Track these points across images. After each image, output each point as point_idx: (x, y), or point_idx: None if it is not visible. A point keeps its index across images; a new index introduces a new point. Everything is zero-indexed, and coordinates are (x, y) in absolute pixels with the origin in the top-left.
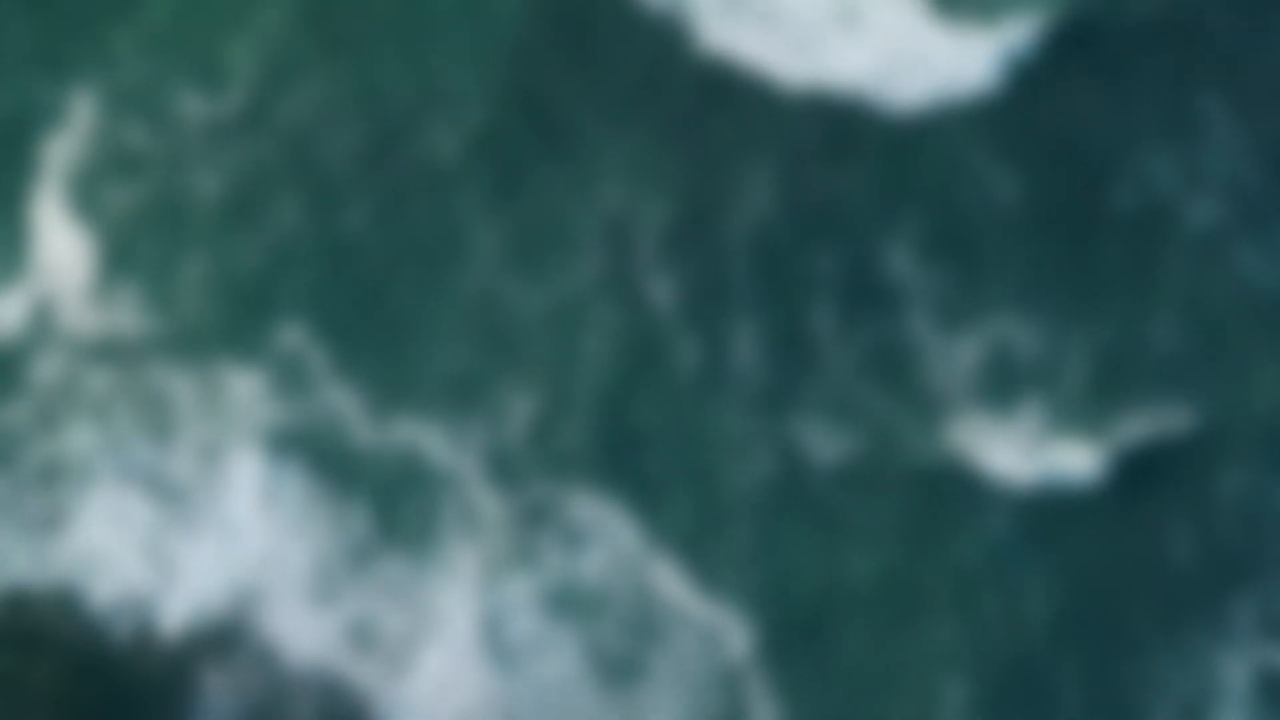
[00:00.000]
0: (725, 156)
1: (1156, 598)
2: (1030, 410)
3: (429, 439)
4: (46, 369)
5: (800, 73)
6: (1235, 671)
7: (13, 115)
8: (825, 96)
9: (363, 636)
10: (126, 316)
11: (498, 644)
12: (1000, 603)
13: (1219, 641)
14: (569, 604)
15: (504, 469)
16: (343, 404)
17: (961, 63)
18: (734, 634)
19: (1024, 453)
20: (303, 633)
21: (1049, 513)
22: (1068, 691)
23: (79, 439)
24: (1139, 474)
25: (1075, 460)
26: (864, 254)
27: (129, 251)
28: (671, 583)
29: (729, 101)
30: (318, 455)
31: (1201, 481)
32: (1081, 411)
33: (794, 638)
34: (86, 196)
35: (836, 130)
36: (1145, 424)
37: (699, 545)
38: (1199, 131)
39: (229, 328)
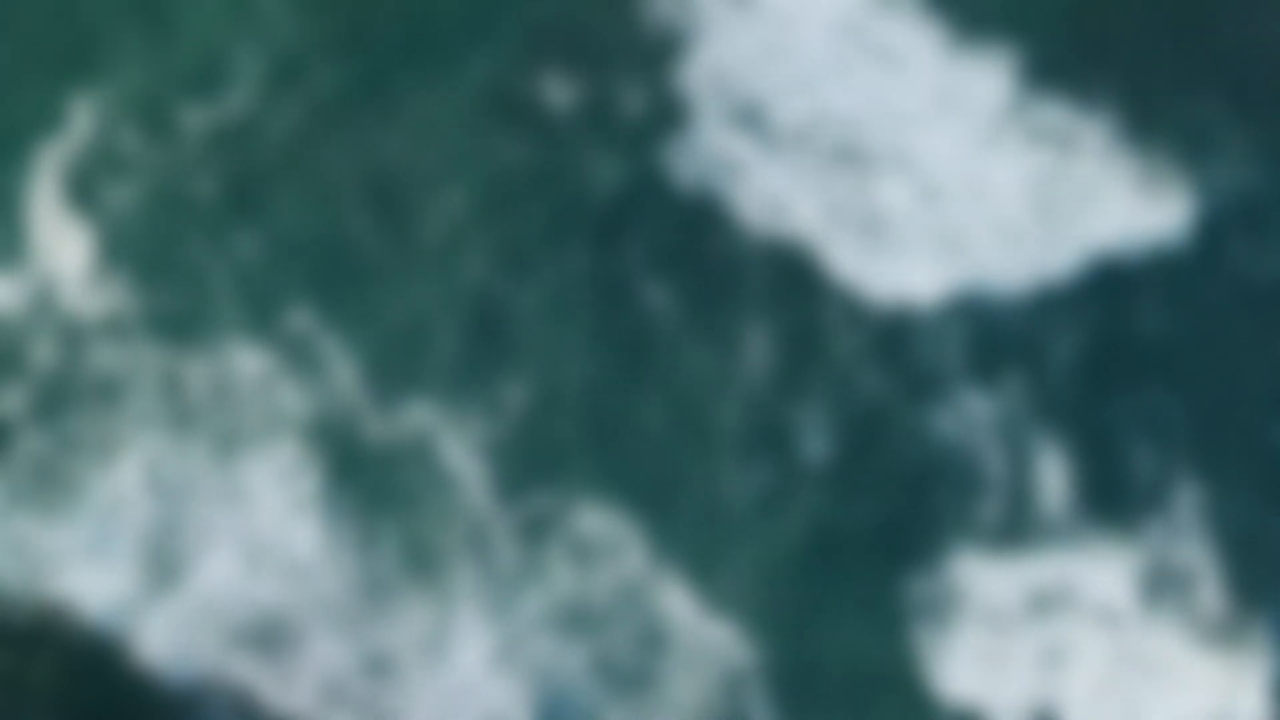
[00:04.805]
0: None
1: None
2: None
3: (431, 449)
4: (45, 355)
5: (804, 92)
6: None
7: (13, 107)
8: (825, 115)
9: (370, 643)
10: (124, 303)
11: (508, 659)
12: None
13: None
14: (576, 618)
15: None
16: (346, 395)
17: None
18: (737, 647)
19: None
20: (308, 635)
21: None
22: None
23: (80, 425)
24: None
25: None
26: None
27: (128, 238)
28: (676, 596)
29: (731, 108)
30: (321, 453)
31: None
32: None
33: (796, 649)
34: (86, 184)
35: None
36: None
37: (703, 557)
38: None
39: (228, 315)
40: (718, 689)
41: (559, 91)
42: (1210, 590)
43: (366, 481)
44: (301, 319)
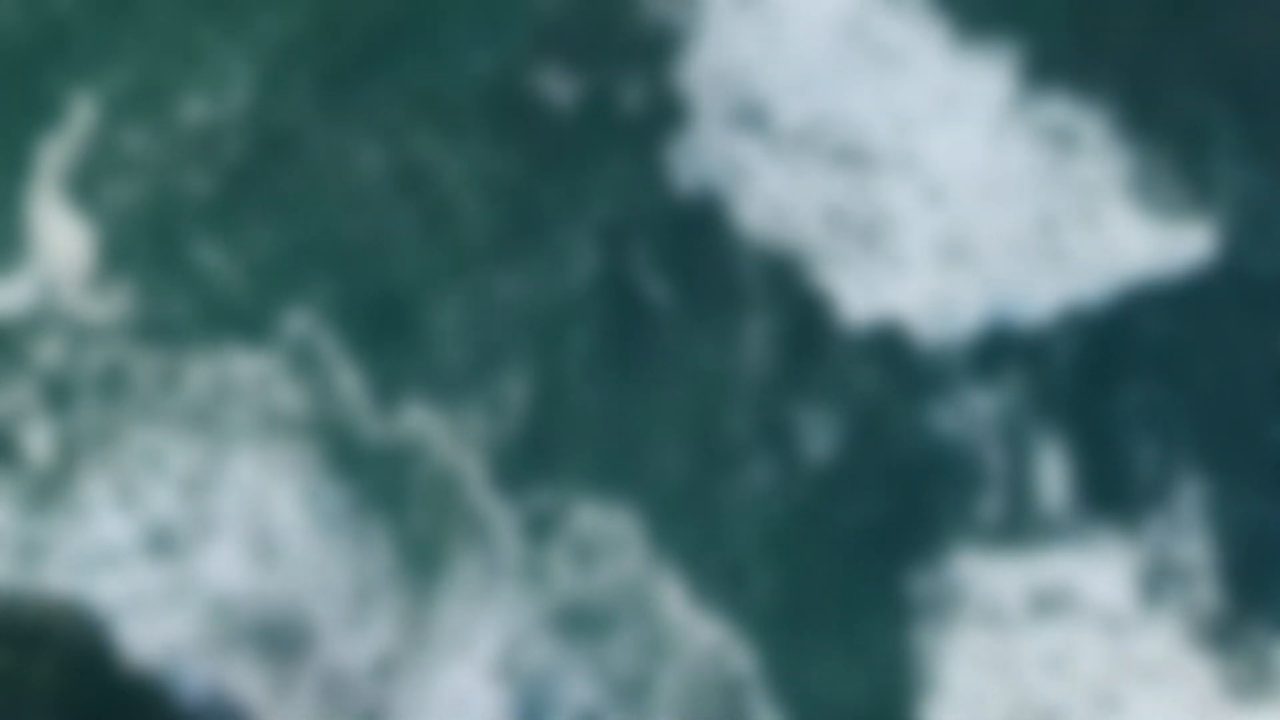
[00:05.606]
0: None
1: None
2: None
3: (431, 448)
4: (46, 354)
5: (805, 92)
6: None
7: (13, 107)
8: (827, 115)
9: (369, 643)
10: (125, 302)
11: (508, 659)
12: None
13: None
14: (576, 618)
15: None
16: (346, 394)
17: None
18: (736, 646)
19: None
20: (309, 635)
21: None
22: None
23: (80, 425)
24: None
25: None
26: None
27: (128, 237)
28: (675, 596)
29: (732, 108)
30: (320, 452)
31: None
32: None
33: (795, 648)
34: (86, 183)
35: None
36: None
37: (702, 556)
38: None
39: (228, 314)
40: (717, 688)
41: (559, 91)
42: (1211, 589)
43: (366, 481)
44: (301, 318)
